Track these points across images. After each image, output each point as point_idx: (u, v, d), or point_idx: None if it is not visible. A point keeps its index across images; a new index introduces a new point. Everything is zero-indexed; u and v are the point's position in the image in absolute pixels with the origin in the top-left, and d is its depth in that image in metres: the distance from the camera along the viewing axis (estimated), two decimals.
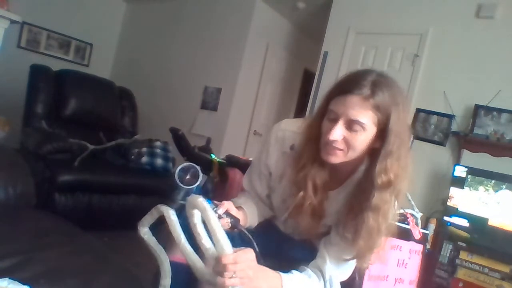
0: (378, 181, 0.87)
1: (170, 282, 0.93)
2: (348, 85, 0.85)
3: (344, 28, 3.40)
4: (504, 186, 2.40)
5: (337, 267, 1.00)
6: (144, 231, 0.94)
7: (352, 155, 0.89)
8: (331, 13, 3.51)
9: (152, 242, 0.94)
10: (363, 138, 0.87)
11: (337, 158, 0.90)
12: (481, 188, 2.47)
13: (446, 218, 2.52)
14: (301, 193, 0.95)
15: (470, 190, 2.49)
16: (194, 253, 0.85)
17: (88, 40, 4.78)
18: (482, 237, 2.36)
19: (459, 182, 2.52)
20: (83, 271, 0.98)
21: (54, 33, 4.44)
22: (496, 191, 2.41)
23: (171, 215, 0.88)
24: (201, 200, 0.79)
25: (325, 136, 0.88)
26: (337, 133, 0.85)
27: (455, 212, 2.51)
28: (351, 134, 0.86)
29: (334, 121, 0.87)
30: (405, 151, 0.89)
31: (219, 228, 0.76)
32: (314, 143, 0.93)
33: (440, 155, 2.80)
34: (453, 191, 2.55)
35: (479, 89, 2.70)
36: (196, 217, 0.81)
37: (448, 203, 2.55)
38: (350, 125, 0.85)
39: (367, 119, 0.84)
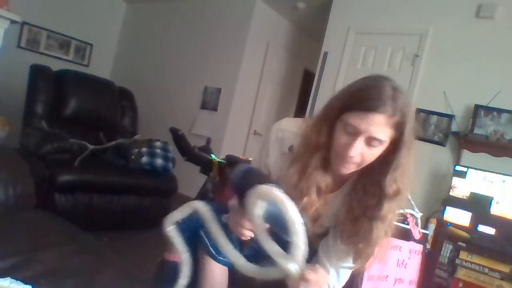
0: (389, 191, 0.88)
1: (187, 283, 0.92)
2: (370, 102, 0.82)
3: (344, 28, 3.40)
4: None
5: (338, 275, 1.01)
6: (171, 228, 0.91)
7: (363, 165, 0.90)
8: (331, 13, 3.51)
9: (177, 241, 0.92)
10: (377, 152, 0.87)
11: (349, 170, 0.90)
12: None
13: (448, 208, 2.52)
14: (306, 199, 0.93)
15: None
16: (235, 249, 0.83)
17: (88, 40, 4.78)
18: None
19: (462, 174, 2.53)
20: (83, 271, 0.98)
21: (54, 33, 4.45)
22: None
23: (207, 212, 0.85)
24: (275, 190, 0.71)
25: (343, 149, 0.86)
26: (358, 149, 0.85)
27: (457, 203, 2.50)
28: (368, 149, 0.86)
29: (353, 135, 0.84)
30: (412, 160, 0.90)
31: (301, 230, 0.69)
32: (323, 151, 0.91)
33: (440, 155, 2.80)
34: (456, 181, 2.54)
35: (479, 89, 2.70)
36: (259, 208, 0.75)
37: (451, 193, 2.55)
38: (369, 141, 0.84)
39: (386, 136, 0.84)
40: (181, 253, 0.92)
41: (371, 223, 0.90)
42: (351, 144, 0.84)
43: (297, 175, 0.93)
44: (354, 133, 0.84)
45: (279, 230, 0.77)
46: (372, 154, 0.86)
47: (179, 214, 0.90)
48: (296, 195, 0.94)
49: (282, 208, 0.70)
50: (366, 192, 0.91)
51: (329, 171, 0.94)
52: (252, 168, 0.85)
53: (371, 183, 0.90)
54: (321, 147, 0.91)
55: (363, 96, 0.84)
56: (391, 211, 0.90)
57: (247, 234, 0.89)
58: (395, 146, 0.87)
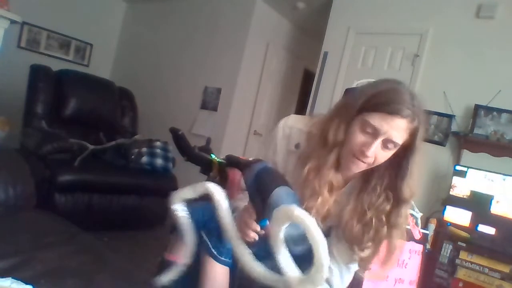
0: (406, 196, 0.90)
1: (187, 266, 0.89)
2: (394, 105, 0.83)
3: (344, 28, 3.40)
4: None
5: (341, 276, 1.01)
6: (177, 206, 0.83)
7: (373, 166, 0.90)
8: (331, 13, 3.51)
9: (184, 222, 0.84)
10: (389, 155, 0.88)
11: (360, 169, 0.90)
12: None
13: (448, 207, 2.53)
14: (320, 198, 0.92)
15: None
16: (245, 246, 0.77)
17: (88, 40, 4.77)
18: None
19: (462, 174, 2.53)
20: (83, 271, 0.98)
21: (54, 33, 4.44)
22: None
23: (220, 196, 0.75)
24: (304, 213, 0.62)
25: (359, 148, 0.87)
26: (375, 150, 0.86)
27: (457, 202, 2.50)
28: (382, 151, 0.87)
29: (372, 136, 0.85)
30: (420, 163, 0.92)
31: (325, 263, 0.62)
32: (338, 149, 0.91)
33: (440, 155, 2.80)
34: (456, 180, 2.54)
35: (479, 89, 2.69)
36: (283, 226, 0.67)
37: (451, 192, 2.55)
38: (386, 143, 0.85)
39: (402, 140, 0.86)
40: (187, 234, 0.84)
41: (391, 232, 0.91)
42: (369, 144, 0.85)
43: (312, 173, 0.91)
44: (373, 134, 0.85)
45: (291, 245, 0.72)
46: (385, 156, 0.88)
47: (190, 192, 0.80)
48: (306, 194, 0.93)
49: (310, 239, 0.64)
50: (379, 195, 0.92)
51: (339, 169, 0.94)
52: (268, 168, 0.82)
53: (384, 187, 0.91)
54: (337, 145, 0.91)
55: (387, 99, 0.85)
56: (405, 217, 0.93)
57: (252, 235, 0.87)
58: (404, 150, 0.88)
